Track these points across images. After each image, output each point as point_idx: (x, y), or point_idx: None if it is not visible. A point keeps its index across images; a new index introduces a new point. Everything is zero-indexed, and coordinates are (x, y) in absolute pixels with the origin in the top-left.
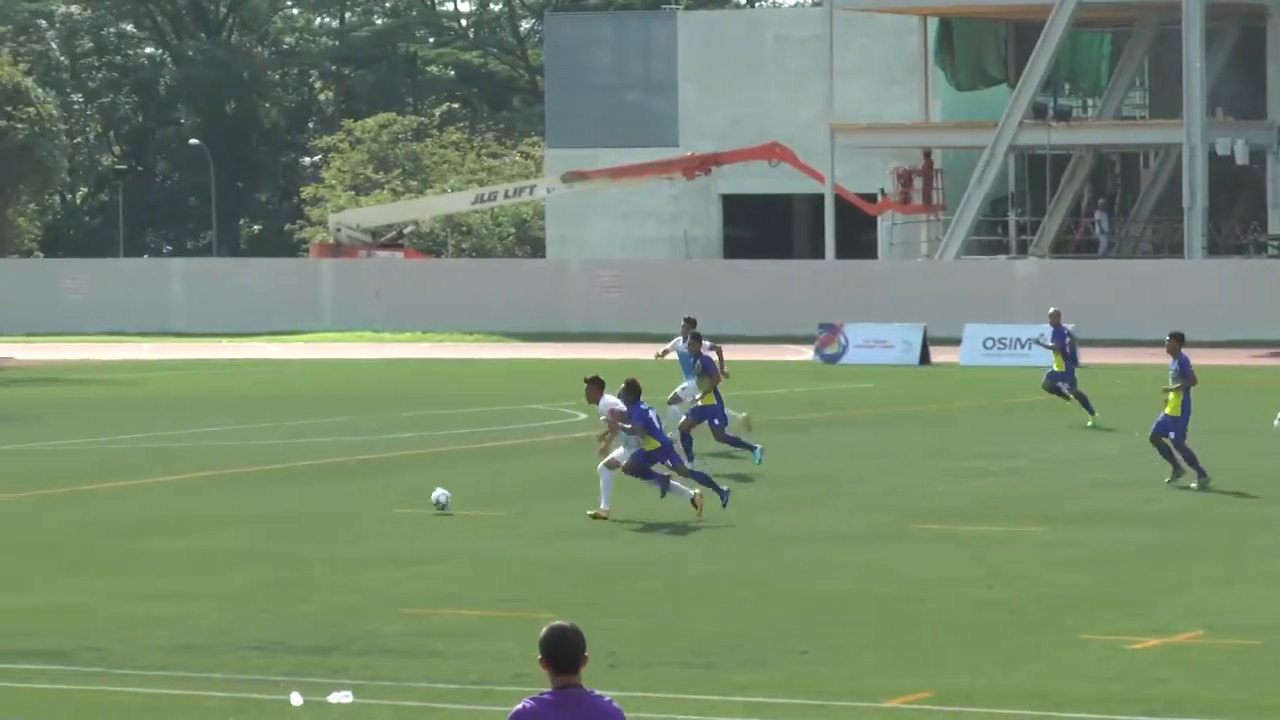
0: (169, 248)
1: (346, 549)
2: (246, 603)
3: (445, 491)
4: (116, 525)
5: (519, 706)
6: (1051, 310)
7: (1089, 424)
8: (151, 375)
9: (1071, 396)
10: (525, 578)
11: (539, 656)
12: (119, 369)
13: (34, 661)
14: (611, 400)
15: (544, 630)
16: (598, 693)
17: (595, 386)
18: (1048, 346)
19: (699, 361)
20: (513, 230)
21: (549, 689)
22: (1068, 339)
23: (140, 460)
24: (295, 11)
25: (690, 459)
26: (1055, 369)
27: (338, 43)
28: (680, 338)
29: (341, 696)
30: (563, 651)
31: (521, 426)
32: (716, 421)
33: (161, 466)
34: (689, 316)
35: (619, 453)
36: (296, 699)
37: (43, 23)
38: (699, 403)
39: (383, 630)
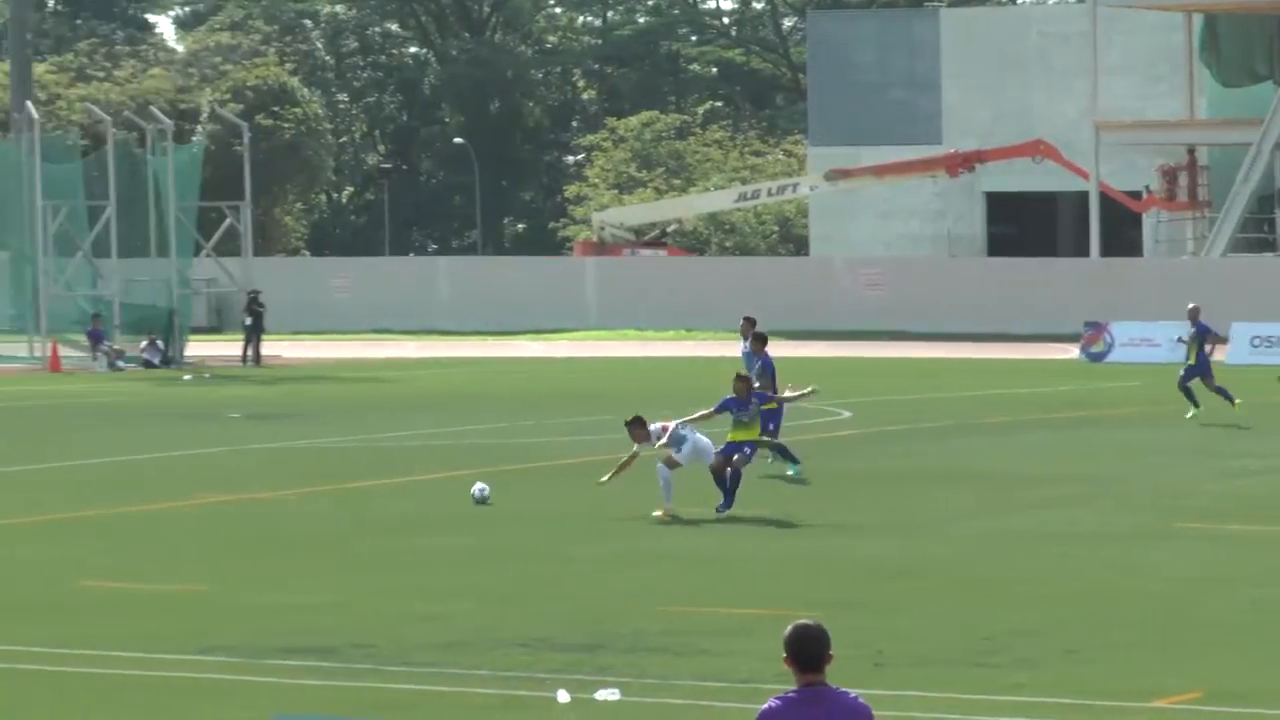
0: (434, 246)
1: (610, 546)
2: (512, 600)
3: (484, 486)
4: (383, 522)
5: (765, 706)
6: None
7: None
8: (416, 373)
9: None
10: (789, 576)
11: (784, 655)
12: (384, 367)
13: (303, 658)
14: (657, 428)
15: (788, 629)
16: (843, 689)
17: (638, 426)
18: None
19: (760, 363)
20: (776, 228)
21: (794, 687)
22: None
23: (405, 458)
24: (558, 10)
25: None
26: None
27: (600, 41)
28: (742, 339)
29: (608, 694)
30: (807, 649)
31: (785, 425)
32: (771, 426)
33: (426, 464)
34: (748, 316)
35: (675, 453)
36: (563, 696)
37: (308, 23)
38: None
39: (648, 628)
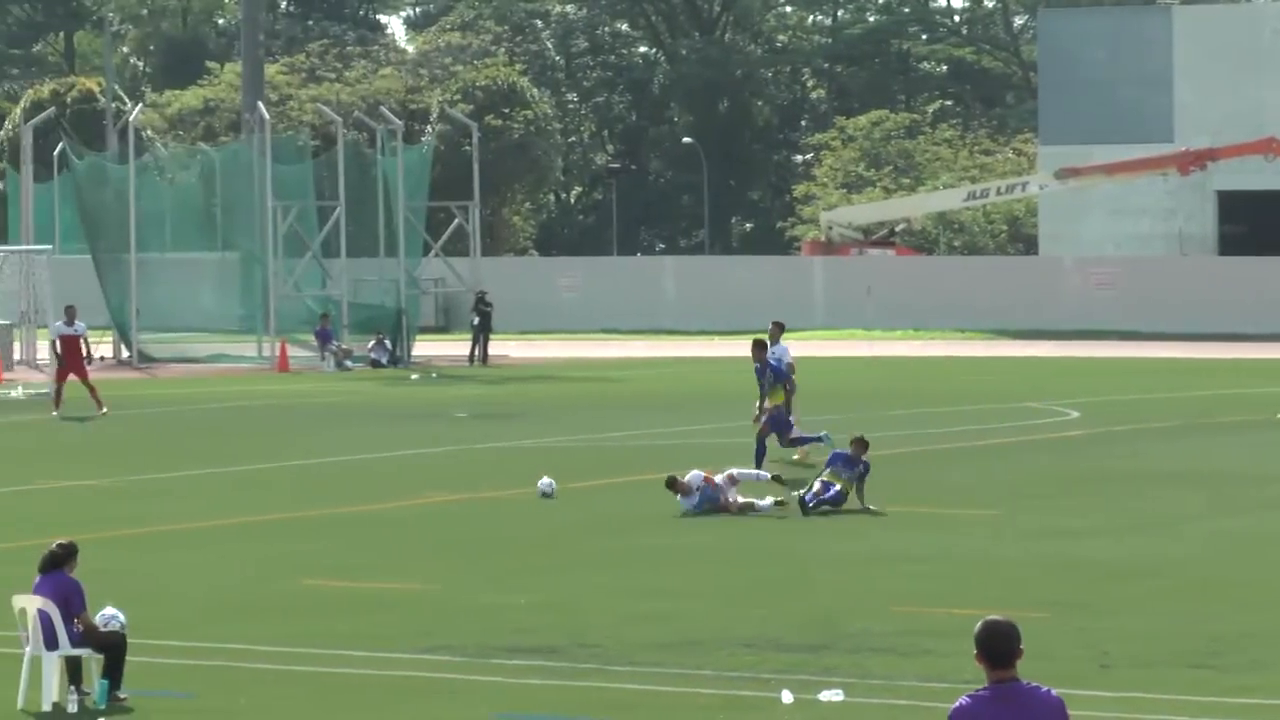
0: (661, 245)
1: (841, 546)
2: (739, 599)
3: (550, 481)
4: (609, 522)
5: (957, 704)
6: None
7: None
8: (643, 373)
9: None
10: (1015, 577)
11: (975, 652)
12: (611, 367)
13: (528, 658)
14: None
15: (979, 625)
16: (1035, 684)
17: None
18: None
19: (770, 370)
20: (1005, 228)
21: (986, 685)
22: None
23: (631, 457)
24: (788, 9)
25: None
26: None
27: (830, 40)
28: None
29: (832, 695)
30: (997, 645)
31: (1013, 425)
32: (768, 420)
33: (652, 464)
34: (777, 320)
35: None
36: (787, 697)
37: (539, 23)
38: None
39: (874, 628)
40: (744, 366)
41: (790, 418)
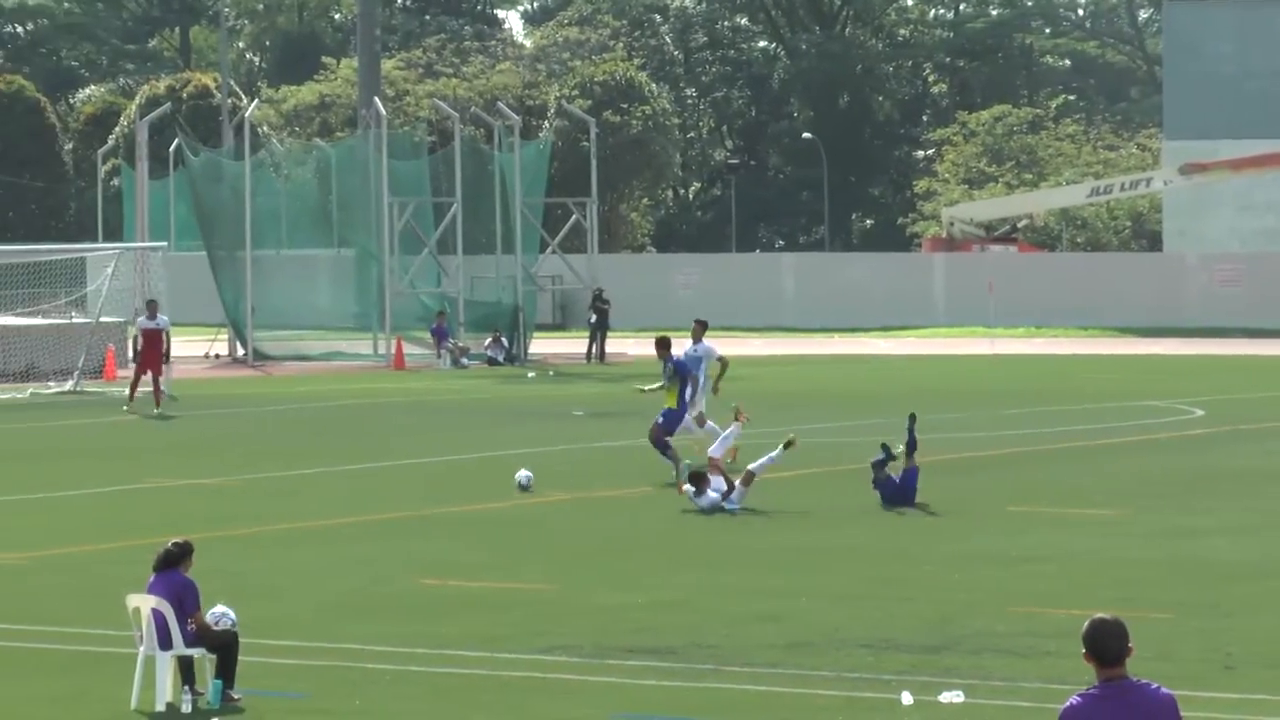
0: (780, 242)
1: (957, 546)
2: (856, 600)
3: (528, 473)
4: (723, 521)
5: (1068, 703)
6: None
7: None
8: (762, 370)
9: None
10: (1137, 578)
11: (1083, 651)
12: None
13: (644, 658)
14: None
15: (1086, 624)
16: (1145, 680)
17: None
18: None
19: (672, 365)
20: (1128, 224)
21: (1096, 684)
22: None
23: (745, 456)
24: (910, 3)
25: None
26: None
27: (952, 34)
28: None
29: (953, 696)
30: (1106, 644)
31: (1136, 424)
32: (661, 420)
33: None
34: (700, 319)
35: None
36: (907, 698)
37: (657, 17)
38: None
39: (993, 629)
40: (863, 365)
41: (689, 419)
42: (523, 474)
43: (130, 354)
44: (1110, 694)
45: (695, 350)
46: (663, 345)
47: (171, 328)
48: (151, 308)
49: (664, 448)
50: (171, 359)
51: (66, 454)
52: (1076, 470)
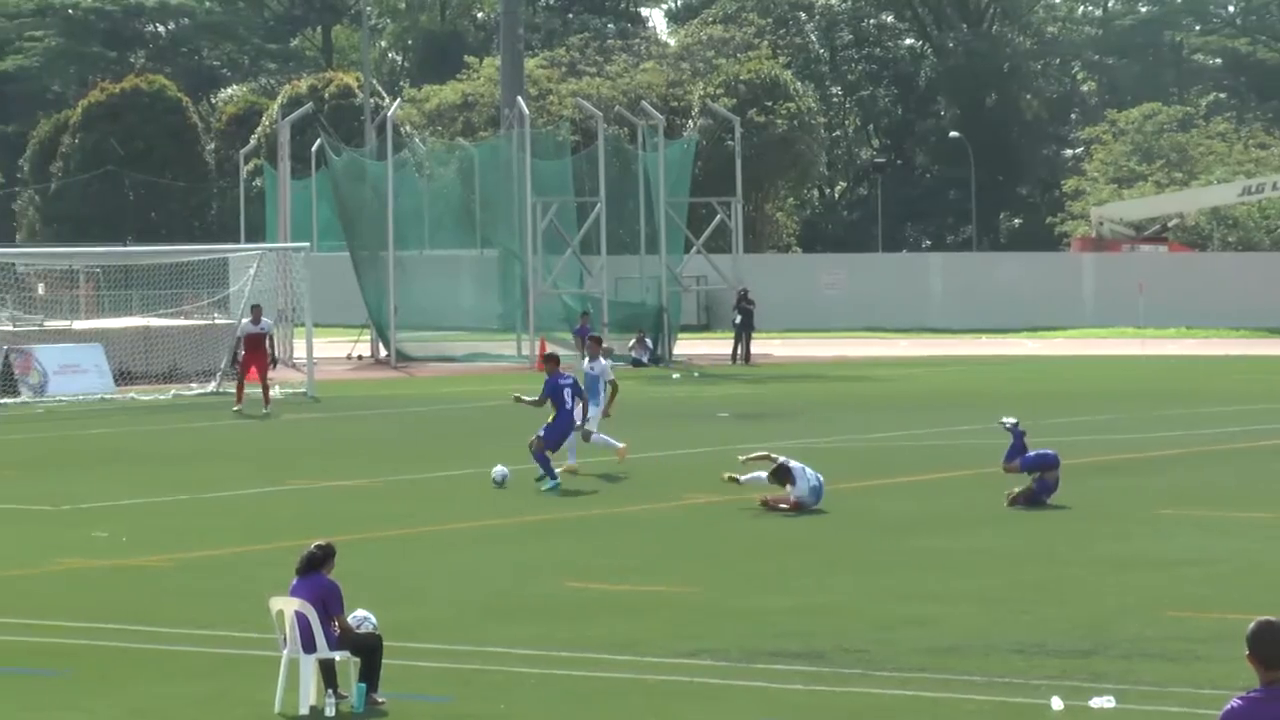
0: (927, 242)
1: (1107, 549)
2: (1005, 604)
3: (504, 470)
4: (873, 524)
5: (1229, 706)
6: None
7: None
8: (909, 372)
9: None
10: None
11: (1246, 653)
12: (876, 365)
13: (790, 663)
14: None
15: (1252, 625)
16: None
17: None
18: None
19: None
20: None
21: (1258, 686)
22: None
23: (897, 458)
24: (1057, 0)
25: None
26: None
27: (1101, 31)
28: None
29: (1103, 702)
30: (1270, 647)
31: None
32: (543, 434)
33: (918, 465)
34: (596, 335)
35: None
36: (1057, 704)
37: (802, 15)
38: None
39: (1145, 634)
40: (1011, 366)
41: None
42: (498, 470)
43: (232, 358)
44: (1273, 697)
45: (592, 369)
46: (552, 361)
47: (316, 328)
48: (255, 313)
49: (542, 460)
50: (277, 361)
51: (209, 456)
52: (1228, 472)
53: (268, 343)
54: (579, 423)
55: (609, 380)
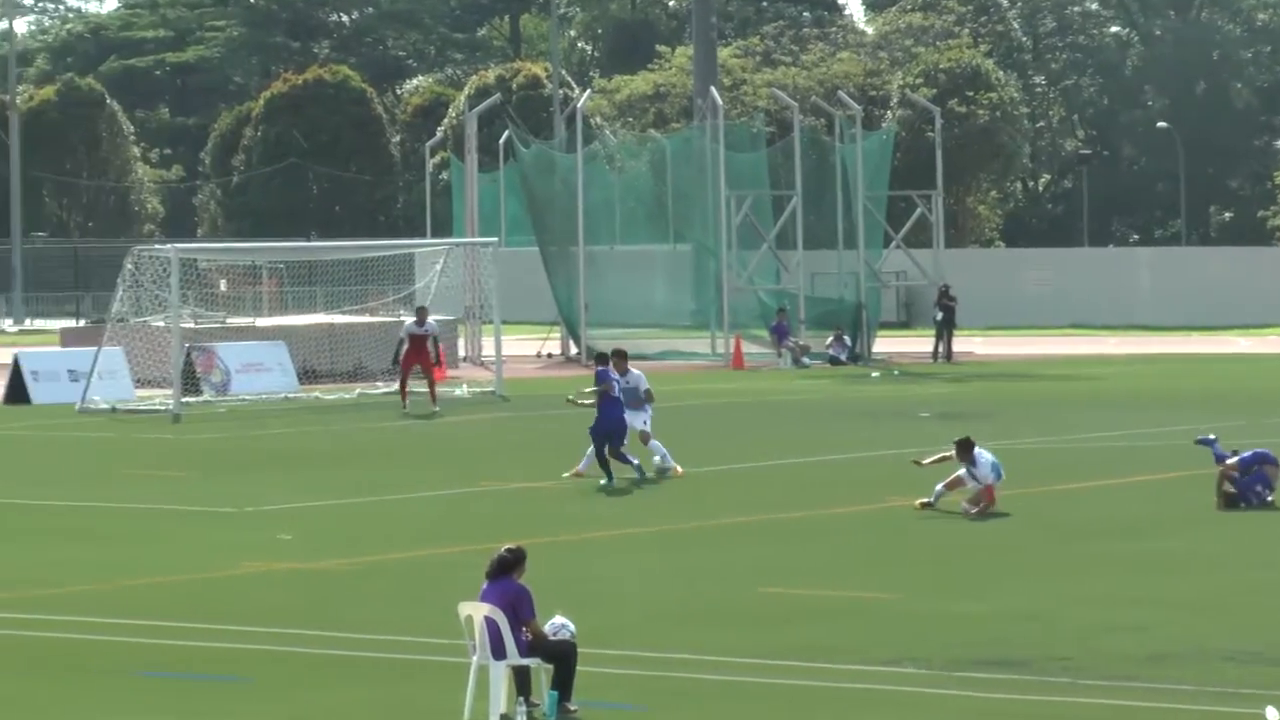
0: (1135, 236)
1: None
2: (1217, 608)
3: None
4: (1081, 527)
5: None
6: None
7: None
8: (1117, 370)
9: None
10: None
11: None
12: (1083, 364)
13: (995, 671)
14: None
15: None
16: None
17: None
18: None
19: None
20: None
21: None
22: None
23: (1107, 459)
24: None
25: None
26: None
27: None
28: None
29: None
30: None
31: None
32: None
33: (1129, 466)
34: (619, 349)
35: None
36: (1272, 714)
37: (1004, 2)
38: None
39: None
40: (1223, 364)
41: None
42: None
43: (395, 357)
44: None
45: (628, 381)
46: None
47: (505, 325)
48: (421, 314)
49: (620, 457)
50: (443, 362)
51: (396, 456)
52: None
53: (433, 344)
54: (637, 426)
55: (645, 389)
